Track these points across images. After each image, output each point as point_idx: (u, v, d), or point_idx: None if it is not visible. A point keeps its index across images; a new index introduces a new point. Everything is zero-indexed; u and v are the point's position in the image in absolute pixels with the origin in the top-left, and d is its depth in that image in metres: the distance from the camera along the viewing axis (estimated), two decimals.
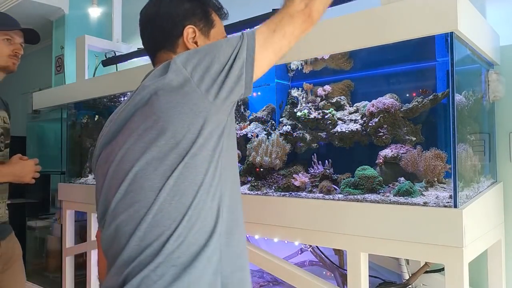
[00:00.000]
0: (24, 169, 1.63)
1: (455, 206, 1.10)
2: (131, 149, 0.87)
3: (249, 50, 0.87)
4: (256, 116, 1.85)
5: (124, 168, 0.87)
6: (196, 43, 1.01)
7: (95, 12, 3.14)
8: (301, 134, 1.65)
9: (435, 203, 1.14)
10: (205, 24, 1.02)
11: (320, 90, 1.69)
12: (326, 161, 1.53)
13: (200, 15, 1.02)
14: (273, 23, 0.89)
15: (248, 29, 0.89)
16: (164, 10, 1.02)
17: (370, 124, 1.48)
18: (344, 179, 1.41)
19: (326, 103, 1.66)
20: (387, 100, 1.47)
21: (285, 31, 0.89)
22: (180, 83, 0.84)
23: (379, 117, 1.45)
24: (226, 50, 0.86)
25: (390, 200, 1.23)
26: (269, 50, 0.89)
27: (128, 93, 2.23)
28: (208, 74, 0.85)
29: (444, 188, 1.31)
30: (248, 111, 1.93)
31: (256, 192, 1.52)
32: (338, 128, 1.57)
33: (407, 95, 1.51)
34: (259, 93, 1.90)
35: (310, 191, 1.44)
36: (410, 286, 1.38)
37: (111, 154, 0.91)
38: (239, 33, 0.88)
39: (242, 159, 1.75)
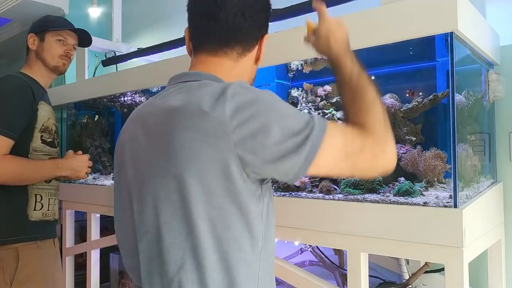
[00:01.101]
0: (80, 164, 1.65)
1: (455, 206, 1.10)
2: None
3: (315, 142, 0.74)
4: None
5: None
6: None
7: (95, 12, 3.14)
8: None
9: (435, 203, 1.14)
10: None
11: (320, 90, 1.69)
12: None
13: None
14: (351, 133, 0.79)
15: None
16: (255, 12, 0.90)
17: None
18: (344, 179, 1.41)
19: (326, 103, 1.66)
20: (387, 100, 1.47)
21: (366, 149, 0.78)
22: (217, 133, 0.74)
23: None
24: (294, 124, 0.74)
25: (390, 200, 1.23)
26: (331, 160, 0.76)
27: (128, 93, 2.23)
28: (258, 141, 0.73)
29: (444, 188, 1.31)
30: None
31: None
32: None
33: (407, 95, 1.51)
34: None
35: (310, 191, 1.44)
36: (410, 286, 1.38)
37: None
38: (307, 117, 0.75)
39: None
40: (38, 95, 1.59)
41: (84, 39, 1.77)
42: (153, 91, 2.00)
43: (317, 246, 1.70)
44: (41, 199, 1.59)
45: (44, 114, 1.61)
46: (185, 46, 0.96)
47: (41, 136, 1.59)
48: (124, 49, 2.62)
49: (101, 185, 2.12)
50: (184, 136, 0.77)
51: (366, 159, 0.79)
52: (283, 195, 1.44)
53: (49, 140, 1.63)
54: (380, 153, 0.80)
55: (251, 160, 0.75)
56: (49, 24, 1.67)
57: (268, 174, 0.79)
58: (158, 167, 0.80)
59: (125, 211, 0.89)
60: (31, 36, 1.67)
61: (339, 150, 0.77)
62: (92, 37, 1.82)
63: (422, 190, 1.26)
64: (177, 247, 0.78)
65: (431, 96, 1.40)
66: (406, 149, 1.39)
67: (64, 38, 1.68)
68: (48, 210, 1.62)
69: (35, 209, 1.57)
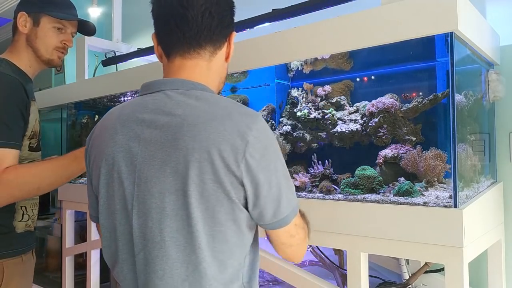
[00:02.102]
0: None
1: (455, 206, 1.10)
2: None
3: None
4: None
5: None
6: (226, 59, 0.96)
7: (95, 12, 3.14)
8: (301, 134, 1.65)
9: (435, 203, 1.14)
10: None
11: (320, 90, 1.69)
12: (326, 161, 1.53)
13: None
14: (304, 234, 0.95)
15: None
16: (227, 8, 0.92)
17: (370, 124, 1.48)
18: (344, 179, 1.41)
19: (326, 103, 1.66)
20: (387, 100, 1.47)
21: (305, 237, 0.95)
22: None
23: (379, 117, 1.45)
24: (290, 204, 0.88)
25: (390, 200, 1.23)
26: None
27: (128, 93, 2.23)
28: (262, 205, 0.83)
29: (444, 188, 1.31)
30: None
31: None
32: (338, 128, 1.57)
33: (407, 95, 1.51)
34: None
35: (310, 191, 1.44)
36: (410, 286, 1.38)
37: None
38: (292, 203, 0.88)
39: None
40: (30, 93, 1.40)
41: (85, 26, 1.53)
42: None
43: (317, 246, 1.70)
44: (26, 211, 1.46)
45: (33, 117, 1.40)
46: None
47: (29, 143, 1.41)
48: (124, 49, 2.61)
49: None
50: (195, 157, 0.79)
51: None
52: None
53: (35, 145, 1.45)
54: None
55: None
56: (48, 7, 1.41)
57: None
58: (165, 183, 0.81)
59: (118, 224, 0.88)
60: (22, 15, 1.41)
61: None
62: (92, 37, 1.74)
63: (422, 190, 1.26)
64: (182, 261, 0.81)
65: (431, 96, 1.40)
66: (406, 149, 1.39)
67: (63, 26, 1.44)
68: (31, 221, 1.49)
69: (20, 220, 1.44)
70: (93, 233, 2.14)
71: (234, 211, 0.81)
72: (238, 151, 0.78)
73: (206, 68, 0.91)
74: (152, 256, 0.82)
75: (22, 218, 1.45)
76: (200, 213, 0.79)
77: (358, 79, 1.68)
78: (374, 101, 1.49)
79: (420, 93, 1.45)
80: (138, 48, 2.56)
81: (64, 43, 1.47)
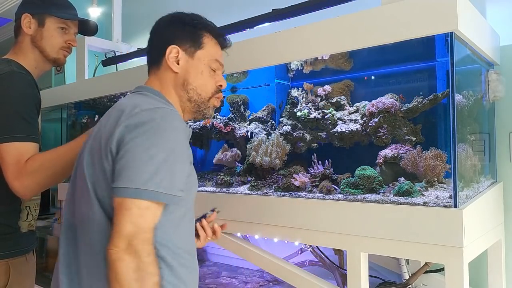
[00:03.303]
0: None
1: (455, 206, 1.10)
2: None
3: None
4: (256, 116, 1.85)
5: None
6: (178, 62, 1.09)
7: (95, 12, 3.14)
8: (301, 134, 1.65)
9: (435, 203, 1.14)
10: (191, 45, 1.09)
11: (320, 90, 1.69)
12: (326, 161, 1.53)
13: (187, 37, 1.10)
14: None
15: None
16: (158, 30, 1.14)
17: (370, 124, 1.48)
18: (344, 179, 1.41)
19: (326, 103, 1.66)
20: (387, 100, 1.47)
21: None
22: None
23: (379, 117, 1.45)
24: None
25: (390, 200, 1.23)
26: None
27: (128, 93, 2.23)
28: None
29: (444, 188, 1.31)
30: (248, 111, 1.93)
31: (256, 192, 1.52)
32: (338, 128, 1.57)
33: (404, 96, 1.51)
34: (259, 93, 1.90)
35: (310, 191, 1.44)
36: (410, 286, 1.38)
37: None
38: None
39: (242, 159, 1.75)
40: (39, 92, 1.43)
41: (86, 26, 1.56)
42: None
43: (317, 246, 1.71)
44: (30, 210, 1.47)
45: (40, 117, 1.44)
46: None
47: None
48: (124, 49, 2.61)
49: None
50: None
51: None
52: (283, 195, 1.44)
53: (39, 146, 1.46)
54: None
55: None
56: (52, 8, 1.43)
57: None
58: (83, 164, 1.01)
59: (65, 208, 1.10)
60: (26, 16, 1.43)
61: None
62: (92, 37, 1.74)
63: (422, 190, 1.26)
64: (91, 221, 0.99)
65: (431, 96, 1.40)
66: (406, 149, 1.39)
67: (67, 26, 1.47)
68: (34, 220, 1.51)
69: (25, 220, 1.45)
70: None
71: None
72: (117, 124, 0.94)
73: (157, 80, 1.10)
74: (75, 223, 1.00)
75: (26, 218, 1.47)
76: (90, 184, 0.97)
77: (358, 79, 1.68)
78: (374, 101, 1.49)
79: (420, 93, 1.45)
80: (138, 48, 2.56)
81: (69, 43, 1.50)
